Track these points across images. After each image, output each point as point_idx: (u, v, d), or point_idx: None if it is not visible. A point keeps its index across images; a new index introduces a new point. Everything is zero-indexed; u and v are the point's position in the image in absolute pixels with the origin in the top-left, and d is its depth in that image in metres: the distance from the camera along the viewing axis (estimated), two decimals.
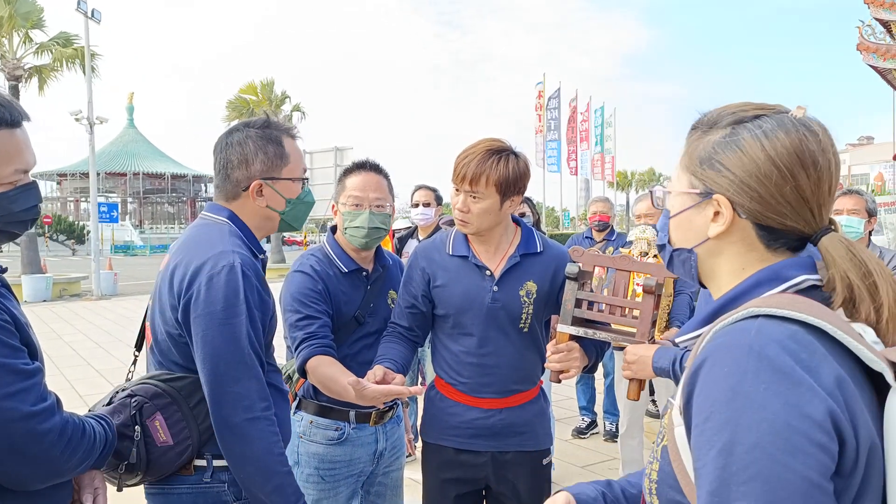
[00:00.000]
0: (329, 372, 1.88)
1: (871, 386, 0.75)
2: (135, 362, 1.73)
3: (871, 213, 3.12)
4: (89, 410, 1.51)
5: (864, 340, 0.75)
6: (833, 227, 0.88)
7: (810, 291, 0.82)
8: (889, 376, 0.71)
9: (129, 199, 63.81)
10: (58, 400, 1.25)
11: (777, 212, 0.85)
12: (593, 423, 5.16)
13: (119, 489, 1.49)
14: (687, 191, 0.93)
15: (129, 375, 1.68)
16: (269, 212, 1.65)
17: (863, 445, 0.70)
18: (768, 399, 0.70)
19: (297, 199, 1.68)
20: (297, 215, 1.70)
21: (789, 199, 0.84)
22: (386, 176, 2.16)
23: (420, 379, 4.65)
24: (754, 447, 0.69)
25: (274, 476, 1.46)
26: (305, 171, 1.73)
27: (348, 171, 2.15)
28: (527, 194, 2.26)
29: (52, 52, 17.51)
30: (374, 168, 2.14)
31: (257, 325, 1.51)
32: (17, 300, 1.28)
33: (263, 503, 1.47)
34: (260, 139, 1.63)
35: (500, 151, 1.85)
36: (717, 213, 0.89)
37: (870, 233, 3.18)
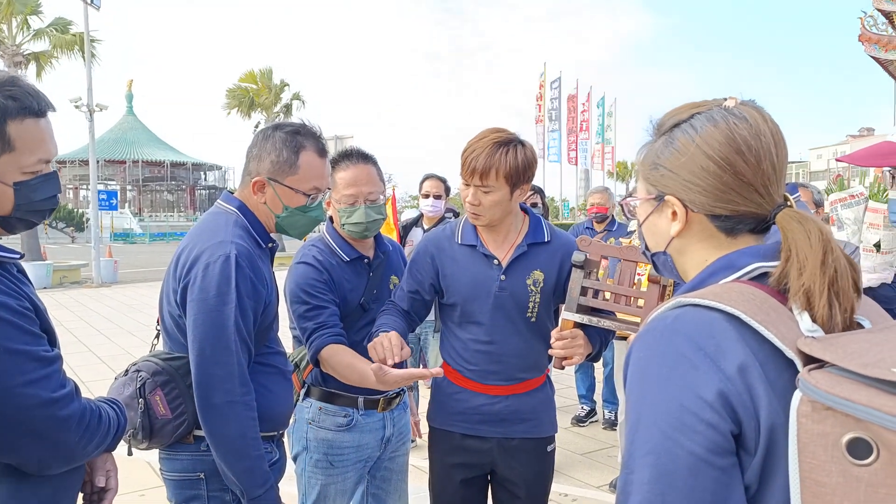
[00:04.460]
0: (345, 360, 1.93)
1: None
2: (157, 336, 1.82)
3: (818, 204, 3.34)
4: (115, 379, 1.65)
5: (790, 327, 0.78)
6: (788, 203, 0.91)
7: (763, 278, 0.86)
8: (798, 363, 0.74)
9: (129, 187, 63.51)
10: (76, 387, 1.28)
11: (724, 199, 0.90)
12: (592, 412, 5.20)
13: (129, 453, 1.63)
14: (645, 197, 0.99)
15: (152, 348, 1.79)
16: (266, 209, 1.74)
17: (763, 425, 0.75)
18: (669, 381, 0.78)
19: (297, 210, 1.75)
20: (294, 224, 1.77)
21: (732, 186, 0.89)
22: (374, 162, 2.14)
23: (421, 366, 4.68)
24: (652, 424, 0.78)
25: (245, 458, 1.57)
26: (319, 191, 1.77)
27: (335, 164, 2.10)
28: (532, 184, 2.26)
29: (50, 38, 17.43)
30: (362, 157, 2.11)
31: (247, 314, 1.61)
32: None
33: (234, 482, 1.58)
34: (280, 141, 1.72)
35: (507, 143, 1.86)
36: (674, 213, 0.95)
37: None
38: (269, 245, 1.78)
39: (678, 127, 0.94)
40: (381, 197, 2.13)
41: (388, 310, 2.06)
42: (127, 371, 1.64)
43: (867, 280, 2.85)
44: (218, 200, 1.79)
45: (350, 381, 1.94)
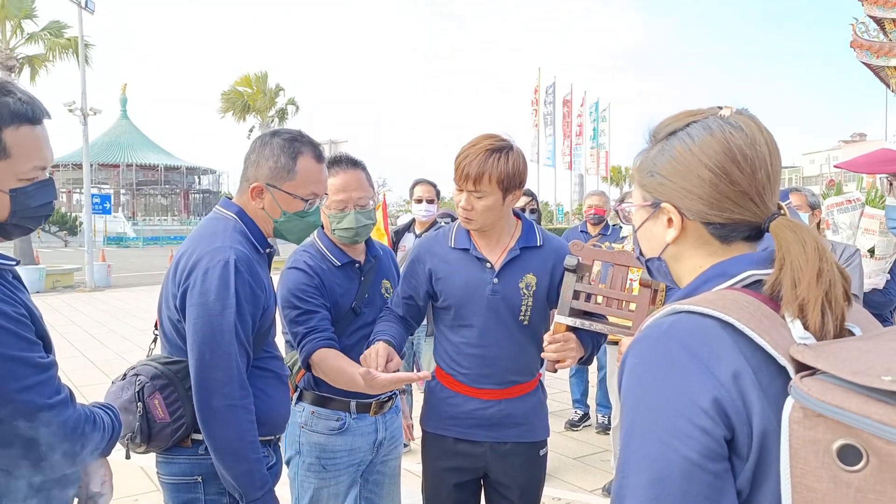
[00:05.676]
0: (336, 364, 1.94)
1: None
2: (155, 340, 1.83)
3: (813, 207, 3.34)
4: (112, 383, 1.65)
5: (783, 335, 0.79)
6: (782, 211, 0.92)
7: (756, 285, 0.87)
8: (791, 370, 0.75)
9: (122, 191, 63.32)
10: (70, 393, 1.28)
11: (720, 208, 0.91)
12: (586, 416, 5.20)
13: (127, 457, 1.62)
14: (641, 204, 1.00)
15: (149, 353, 1.80)
16: (265, 215, 1.76)
17: (756, 431, 0.76)
18: (664, 387, 0.79)
19: (295, 215, 1.76)
20: (292, 229, 1.79)
21: (728, 194, 0.90)
22: (363, 168, 2.17)
23: (415, 370, 4.68)
24: (647, 429, 0.79)
25: (244, 461, 1.59)
26: (316, 196, 1.79)
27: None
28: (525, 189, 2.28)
29: (44, 42, 17.41)
30: (351, 163, 2.14)
31: (245, 319, 1.62)
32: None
33: (233, 485, 1.59)
34: (278, 148, 1.74)
35: (500, 149, 1.87)
36: (669, 220, 0.95)
37: (817, 224, 3.32)
38: (267, 250, 1.79)
39: (674, 135, 0.95)
40: (371, 202, 2.16)
41: (385, 316, 2.09)
42: (125, 375, 1.65)
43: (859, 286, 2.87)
44: (216, 206, 1.81)
45: (340, 385, 1.95)
